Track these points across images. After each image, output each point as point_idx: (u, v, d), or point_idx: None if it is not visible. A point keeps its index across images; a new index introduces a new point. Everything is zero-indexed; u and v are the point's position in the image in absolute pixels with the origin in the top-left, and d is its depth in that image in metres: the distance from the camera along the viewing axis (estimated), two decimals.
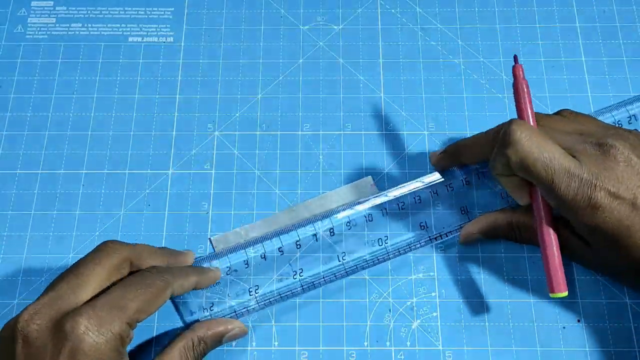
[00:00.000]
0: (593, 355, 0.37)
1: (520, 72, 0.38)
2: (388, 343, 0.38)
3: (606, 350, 0.37)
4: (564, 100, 0.45)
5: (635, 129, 0.38)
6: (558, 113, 0.39)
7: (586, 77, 0.45)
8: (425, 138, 0.44)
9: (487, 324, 0.38)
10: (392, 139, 0.44)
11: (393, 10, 0.48)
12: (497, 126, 0.37)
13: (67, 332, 0.28)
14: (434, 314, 0.39)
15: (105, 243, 0.33)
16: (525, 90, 0.37)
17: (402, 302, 0.39)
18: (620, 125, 0.40)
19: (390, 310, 0.39)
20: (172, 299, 0.37)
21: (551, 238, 0.36)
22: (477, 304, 0.39)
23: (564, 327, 0.38)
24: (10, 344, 0.29)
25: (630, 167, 0.34)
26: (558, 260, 0.35)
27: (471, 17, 0.48)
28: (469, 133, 0.44)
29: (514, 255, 0.40)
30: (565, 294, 0.35)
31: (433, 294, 0.39)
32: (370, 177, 0.42)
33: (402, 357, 0.38)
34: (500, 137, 0.35)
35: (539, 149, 0.34)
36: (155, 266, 0.33)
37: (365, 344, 0.38)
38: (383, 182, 0.42)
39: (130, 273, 0.34)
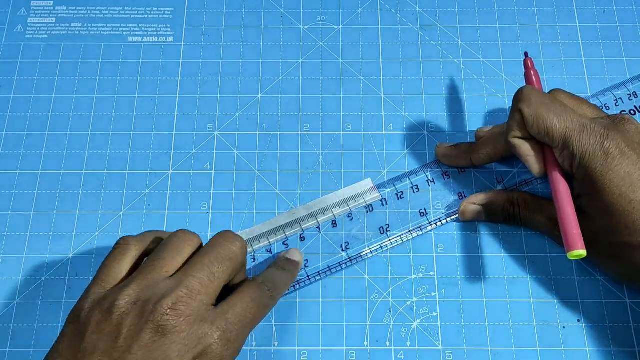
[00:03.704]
0: (593, 355, 0.37)
1: (530, 64, 0.41)
2: (388, 343, 0.38)
3: (606, 350, 0.37)
4: None
5: None
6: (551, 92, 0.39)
7: (586, 77, 0.45)
8: (425, 138, 0.44)
9: (487, 324, 0.38)
10: (392, 139, 0.44)
11: (393, 10, 0.48)
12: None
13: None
14: (434, 314, 0.39)
15: (182, 231, 0.34)
16: (534, 76, 0.40)
17: (402, 302, 0.39)
18: None
19: (390, 310, 0.39)
20: None
21: (563, 196, 0.36)
22: (477, 304, 0.39)
23: (564, 327, 0.38)
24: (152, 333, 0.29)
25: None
26: (573, 219, 0.35)
27: (471, 17, 0.48)
28: (468, 133, 0.44)
29: (514, 255, 0.40)
30: (584, 253, 0.34)
31: (433, 294, 0.39)
32: (369, 179, 0.42)
33: (402, 357, 0.38)
34: (513, 97, 0.37)
35: (551, 101, 0.36)
36: (265, 281, 0.34)
37: (365, 343, 0.38)
38: (383, 182, 0.42)
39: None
